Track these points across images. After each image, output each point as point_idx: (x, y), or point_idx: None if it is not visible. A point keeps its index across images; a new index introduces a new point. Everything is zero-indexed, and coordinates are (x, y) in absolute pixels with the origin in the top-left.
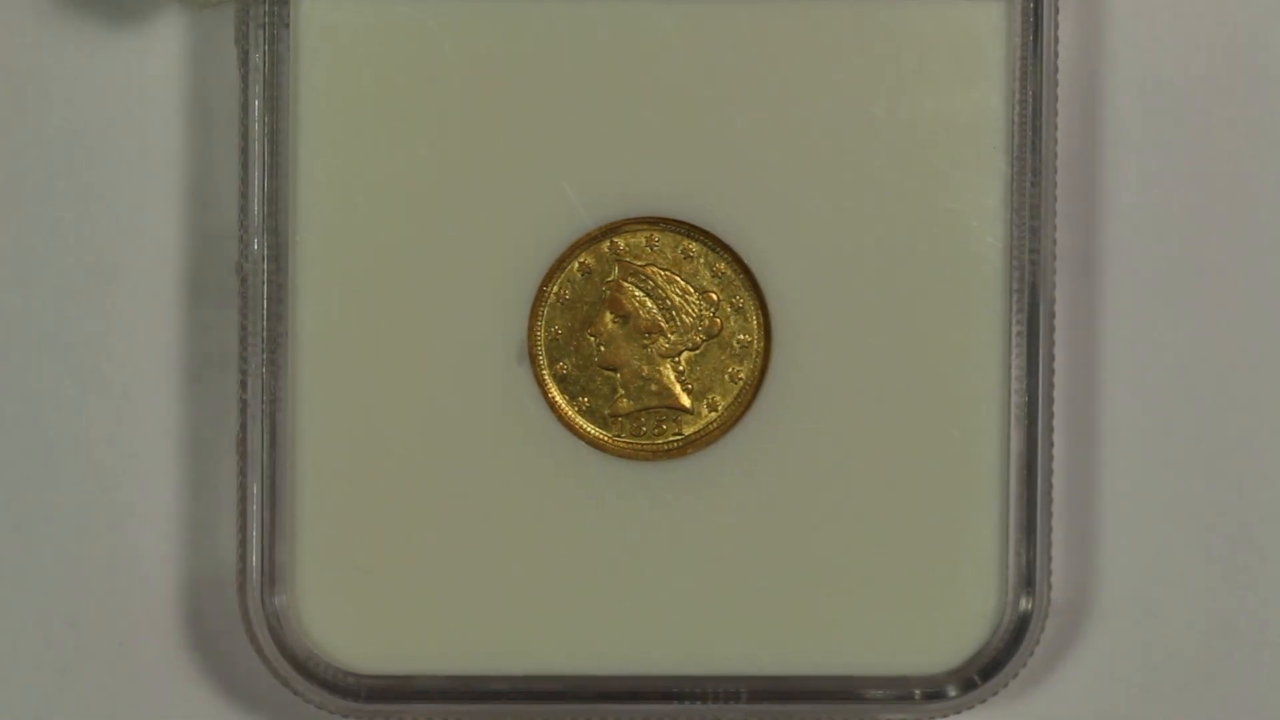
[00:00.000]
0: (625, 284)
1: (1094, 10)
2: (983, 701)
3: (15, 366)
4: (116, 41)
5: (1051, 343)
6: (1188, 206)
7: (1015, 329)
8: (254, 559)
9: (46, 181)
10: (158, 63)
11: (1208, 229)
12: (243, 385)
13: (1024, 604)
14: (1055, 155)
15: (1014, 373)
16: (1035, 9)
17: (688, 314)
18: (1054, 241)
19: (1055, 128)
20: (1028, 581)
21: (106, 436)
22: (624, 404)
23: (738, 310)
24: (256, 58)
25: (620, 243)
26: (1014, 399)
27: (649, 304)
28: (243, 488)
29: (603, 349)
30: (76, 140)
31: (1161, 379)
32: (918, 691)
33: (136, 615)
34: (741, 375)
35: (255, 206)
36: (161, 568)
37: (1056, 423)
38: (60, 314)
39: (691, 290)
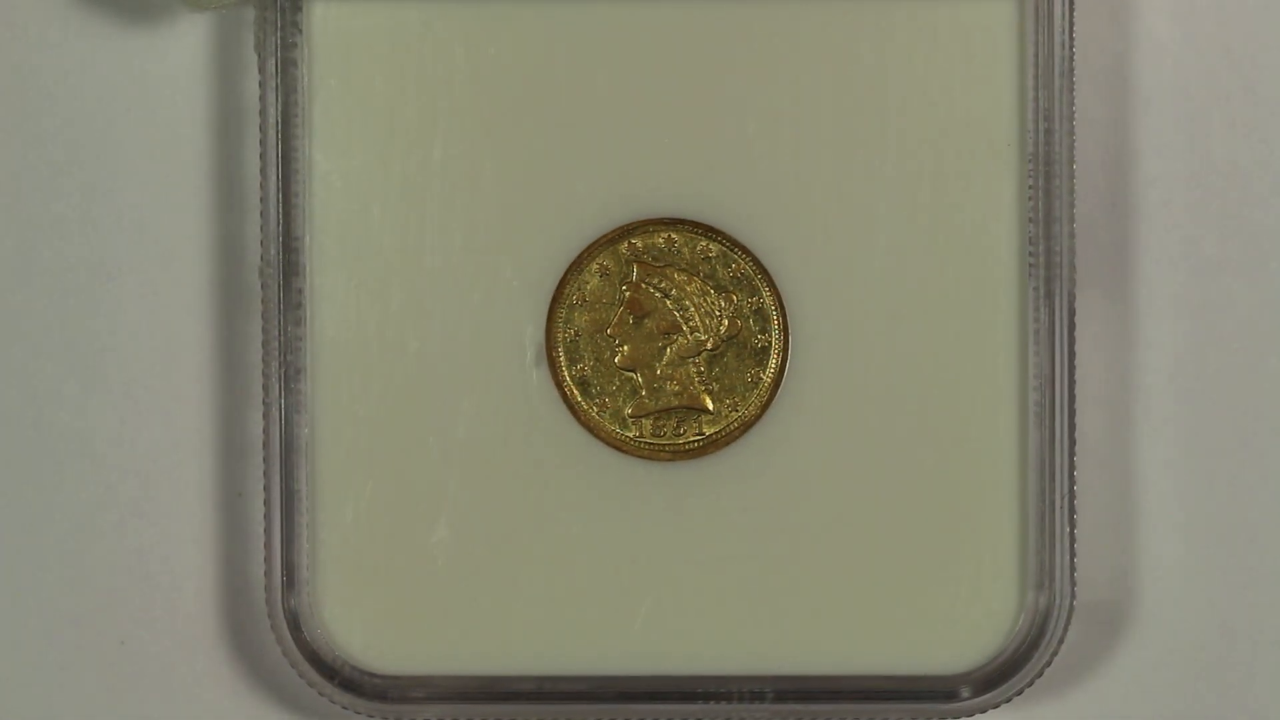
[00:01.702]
0: (644, 285)
1: (1122, 7)
2: (1007, 700)
3: (22, 365)
4: (135, 43)
5: (1072, 340)
6: (1215, 203)
7: (1033, 326)
8: (276, 561)
9: (61, 180)
10: (177, 64)
11: (1234, 227)
12: (265, 389)
13: (1043, 605)
14: (1072, 152)
15: (1031, 370)
16: (1048, 5)
17: (707, 315)
18: (1071, 237)
19: (1071, 123)
20: (1047, 582)
21: (111, 437)
22: (644, 405)
23: (756, 311)
24: (271, 64)
25: (638, 244)
26: (1031, 397)
27: (668, 305)
28: (266, 490)
29: (622, 350)
30: (92, 141)
31: (1187, 376)
32: (941, 691)
33: (141, 614)
34: (761, 375)
35: (272, 212)
36: (166, 567)
37: (1089, 424)
38: (70, 314)
39: (710, 291)
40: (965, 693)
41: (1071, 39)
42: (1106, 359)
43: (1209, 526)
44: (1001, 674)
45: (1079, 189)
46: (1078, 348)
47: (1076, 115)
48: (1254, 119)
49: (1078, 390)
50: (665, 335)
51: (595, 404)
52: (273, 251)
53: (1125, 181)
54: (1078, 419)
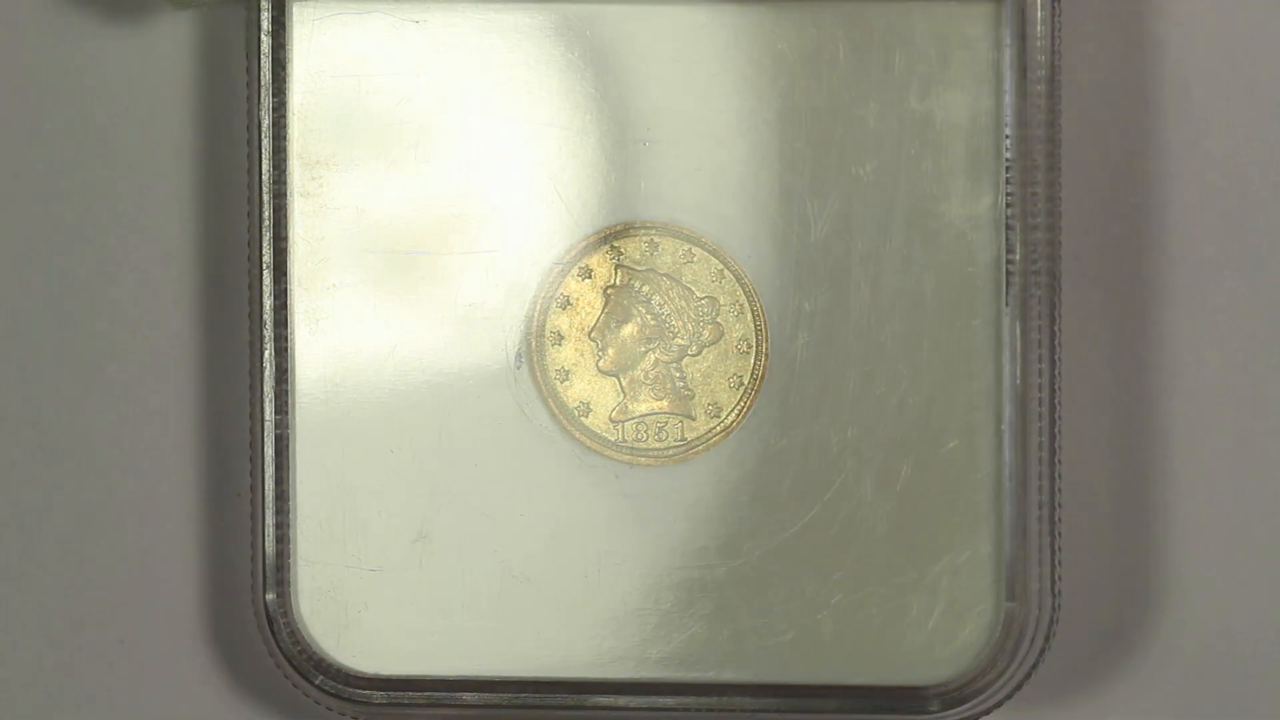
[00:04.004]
0: (627, 289)
1: (1122, 7)
2: (986, 713)
3: (19, 365)
4: (125, 43)
5: (1053, 349)
6: (1215, 203)
7: (1009, 336)
8: (260, 560)
9: (50, 181)
10: (168, 65)
11: (1234, 227)
12: (250, 389)
13: (1020, 618)
14: (1053, 159)
15: (1008, 380)
16: (1024, 11)
17: (689, 319)
18: (1053, 244)
19: (1054, 129)
20: (1023, 595)
21: (110, 436)
22: (626, 409)
23: (738, 316)
24: (258, 65)
25: (621, 247)
26: (1009, 407)
27: (650, 309)
28: (252, 490)
29: (605, 353)
30: (83, 139)
31: (1187, 376)
32: (913, 703)
33: (139, 614)
34: (742, 380)
35: (259, 212)
36: (164, 567)
37: (1087, 426)
38: (66, 314)
39: (692, 295)
40: (935, 705)
41: (1054, 44)
42: (1106, 360)
43: (1210, 530)
44: (975, 687)
45: (1078, 190)
46: (1078, 351)
47: (1076, 117)
48: (1254, 119)
49: (1077, 392)
50: (647, 340)
51: (578, 408)
52: (260, 252)
53: (1125, 182)
54: (1076, 423)
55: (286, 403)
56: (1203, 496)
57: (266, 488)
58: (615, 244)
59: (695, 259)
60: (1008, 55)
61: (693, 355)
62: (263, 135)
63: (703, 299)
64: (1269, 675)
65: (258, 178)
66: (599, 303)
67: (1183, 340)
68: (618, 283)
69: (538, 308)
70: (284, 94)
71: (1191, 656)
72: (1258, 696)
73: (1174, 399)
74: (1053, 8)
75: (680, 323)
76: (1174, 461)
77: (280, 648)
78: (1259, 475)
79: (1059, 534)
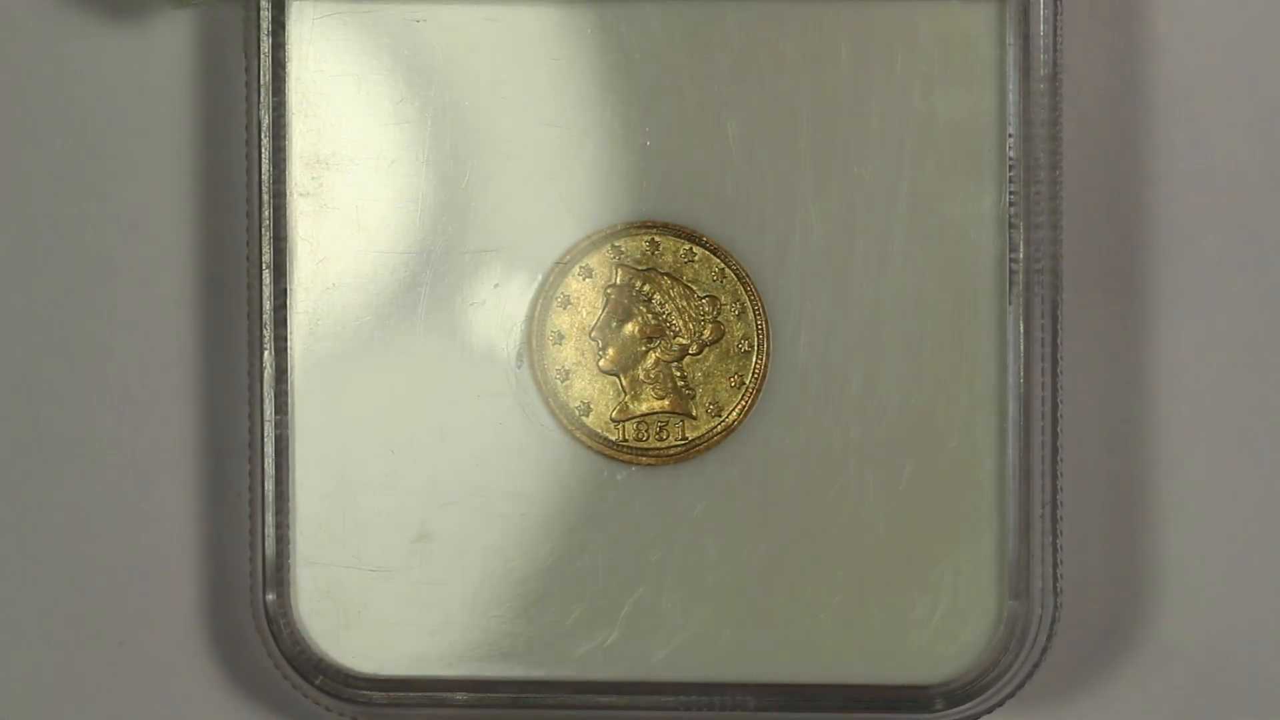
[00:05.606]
0: (627, 288)
1: (1122, 7)
2: (987, 711)
3: (19, 366)
4: (122, 39)
5: (1055, 347)
6: (1215, 203)
7: (1012, 334)
8: (259, 561)
9: (50, 180)
10: (167, 64)
11: (1234, 227)
12: (250, 389)
13: (1022, 616)
14: (1055, 157)
15: (1011, 378)
16: (1027, 9)
17: (689, 319)
18: (1055, 244)
19: (1055, 128)
20: (1026, 593)
21: (109, 437)
22: (626, 409)
23: (740, 315)
24: (257, 64)
25: (622, 246)
26: (1012, 405)
27: (651, 308)
28: (250, 490)
29: (605, 353)
30: (81, 138)
31: (1188, 376)
32: (917, 701)
33: (138, 615)
34: (744, 380)
35: (258, 212)
36: (164, 567)
37: (1087, 427)
38: (65, 314)
39: (693, 295)
40: (939, 704)
41: (1056, 43)
42: (1106, 359)
43: (1211, 531)
44: (978, 685)
45: (1078, 190)
46: (1078, 350)
47: (1076, 116)
48: (1254, 119)
49: (1077, 393)
50: (648, 339)
51: (578, 408)
52: (259, 251)
53: (1125, 182)
54: (1077, 423)
55: (286, 403)
56: (1202, 496)
57: (266, 488)
58: (616, 243)
59: (696, 258)
60: (1011, 54)
61: (694, 355)
62: (262, 135)
63: (704, 298)
64: (1268, 675)
65: (257, 177)
66: (600, 302)
67: (1183, 340)
68: (618, 282)
69: (538, 307)
70: (283, 93)
71: (1191, 656)
72: (1257, 696)
73: (1174, 398)
74: (1055, 7)
75: (681, 322)
76: (1174, 461)
77: (280, 648)
78: (1259, 475)
79: (1060, 532)
